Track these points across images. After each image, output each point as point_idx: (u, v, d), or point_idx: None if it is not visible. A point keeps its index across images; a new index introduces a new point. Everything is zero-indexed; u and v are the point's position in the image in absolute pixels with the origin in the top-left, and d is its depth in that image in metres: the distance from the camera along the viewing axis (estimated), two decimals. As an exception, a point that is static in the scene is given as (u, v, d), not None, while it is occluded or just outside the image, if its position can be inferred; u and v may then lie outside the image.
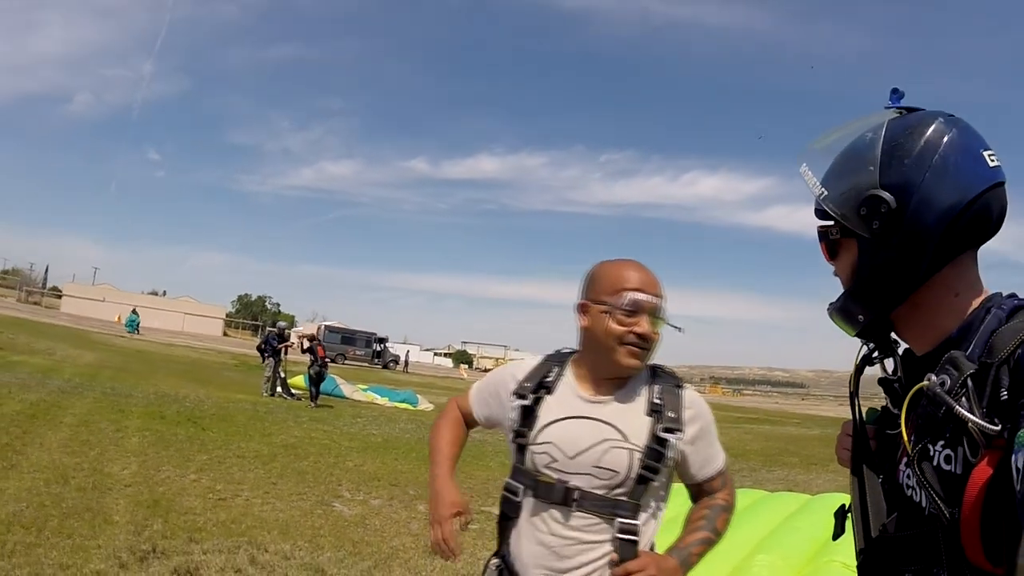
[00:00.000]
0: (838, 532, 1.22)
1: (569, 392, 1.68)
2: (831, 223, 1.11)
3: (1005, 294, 1.03)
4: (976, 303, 1.02)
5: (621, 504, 1.57)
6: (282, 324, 18.45)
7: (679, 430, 1.61)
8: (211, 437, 9.03)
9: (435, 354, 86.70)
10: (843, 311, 1.11)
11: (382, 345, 53.03)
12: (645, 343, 1.61)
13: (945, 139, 1.00)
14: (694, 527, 1.66)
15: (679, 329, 1.71)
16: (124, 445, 7.66)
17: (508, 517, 1.67)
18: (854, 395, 1.18)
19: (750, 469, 11.55)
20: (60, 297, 62.25)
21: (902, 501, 1.02)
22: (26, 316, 33.36)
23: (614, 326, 1.60)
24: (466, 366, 68.92)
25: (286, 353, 16.78)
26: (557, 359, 1.77)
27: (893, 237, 1.00)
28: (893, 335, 1.12)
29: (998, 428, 0.85)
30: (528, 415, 1.67)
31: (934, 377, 0.93)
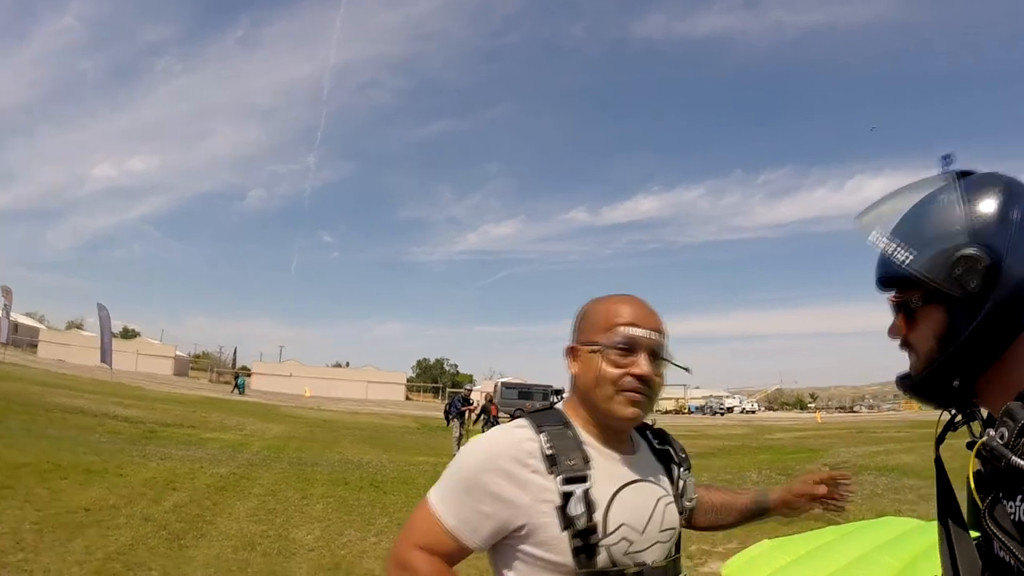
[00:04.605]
0: None
1: (598, 455, 1.44)
2: (912, 291, 1.12)
3: None
4: None
5: (677, 560, 1.50)
6: (468, 387, 21.16)
7: (689, 465, 1.62)
8: (392, 500, 9.60)
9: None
10: (930, 381, 1.11)
11: (559, 397, 53.08)
12: (646, 387, 1.43)
13: (1021, 198, 1.05)
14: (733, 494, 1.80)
15: (687, 370, 1.55)
16: (308, 512, 8.30)
17: None
18: (938, 459, 1.21)
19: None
20: (249, 375, 68.92)
21: (993, 561, 1.05)
22: (217, 395, 37.26)
23: (608, 369, 1.43)
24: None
25: (470, 415, 18.72)
26: (555, 419, 1.48)
27: (990, 295, 1.02)
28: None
29: None
30: (588, 502, 1.37)
31: (992, 431, 0.97)
